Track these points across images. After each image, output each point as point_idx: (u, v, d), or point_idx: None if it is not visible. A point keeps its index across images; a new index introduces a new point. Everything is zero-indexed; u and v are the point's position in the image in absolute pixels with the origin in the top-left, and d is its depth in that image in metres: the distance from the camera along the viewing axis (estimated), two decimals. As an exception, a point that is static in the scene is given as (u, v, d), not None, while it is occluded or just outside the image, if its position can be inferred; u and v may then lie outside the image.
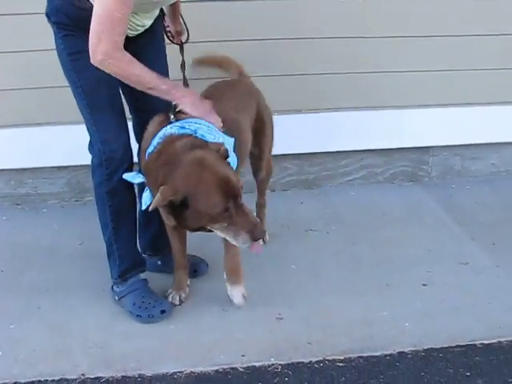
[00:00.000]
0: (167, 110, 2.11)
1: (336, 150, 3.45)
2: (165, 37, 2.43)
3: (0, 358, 2.08)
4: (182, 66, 2.32)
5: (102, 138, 2.18)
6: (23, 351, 2.11)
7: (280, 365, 2.02)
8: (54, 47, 2.19)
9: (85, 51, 2.00)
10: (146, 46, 2.28)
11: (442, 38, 3.30)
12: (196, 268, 2.60)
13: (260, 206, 2.90)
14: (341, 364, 2.02)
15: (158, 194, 1.86)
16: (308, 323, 2.25)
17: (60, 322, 2.28)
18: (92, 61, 1.97)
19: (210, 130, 2.09)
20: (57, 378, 1.97)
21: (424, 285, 2.47)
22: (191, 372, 2.00)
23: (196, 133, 2.04)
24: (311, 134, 3.38)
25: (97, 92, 2.17)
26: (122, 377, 1.98)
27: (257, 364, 2.03)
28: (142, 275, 2.40)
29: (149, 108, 2.21)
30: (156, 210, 1.98)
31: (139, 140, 2.23)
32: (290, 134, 3.36)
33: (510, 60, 3.41)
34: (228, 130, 2.18)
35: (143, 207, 2.02)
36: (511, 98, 3.46)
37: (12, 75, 3.12)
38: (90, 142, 2.26)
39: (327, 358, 2.05)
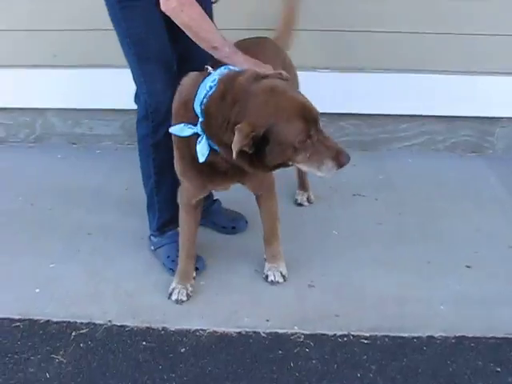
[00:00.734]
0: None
1: (397, 112, 3.28)
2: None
3: (37, 295, 2.18)
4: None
5: (148, 90, 2.14)
6: (59, 291, 2.19)
7: (303, 334, 1.99)
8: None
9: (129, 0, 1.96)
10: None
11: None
12: (235, 224, 2.58)
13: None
14: (365, 341, 1.97)
15: (237, 134, 1.66)
16: (339, 294, 2.19)
17: (96, 266, 2.35)
18: (163, 7, 1.91)
19: None
20: (85, 321, 2.04)
21: (468, 266, 2.33)
22: (214, 331, 2.01)
23: None
24: (372, 94, 3.21)
25: (145, 42, 2.11)
26: (147, 328, 2.02)
27: (280, 331, 2.01)
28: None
29: (196, 59, 2.14)
30: None
31: None
32: (350, 93, 3.23)
33: None
34: None
35: (201, 159, 1.83)
36: None
37: (74, 16, 3.13)
38: (137, 93, 2.23)
39: (352, 332, 2.00)
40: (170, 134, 2.04)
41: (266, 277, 2.26)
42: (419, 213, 2.73)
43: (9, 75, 3.29)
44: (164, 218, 2.34)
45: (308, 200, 2.83)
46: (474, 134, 3.28)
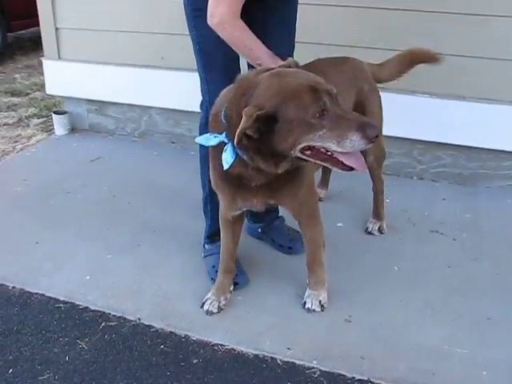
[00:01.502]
0: None
1: (500, 148, 2.98)
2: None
3: (86, 281, 2.32)
4: None
5: (210, 99, 2.17)
6: (105, 282, 2.32)
7: (320, 370, 1.89)
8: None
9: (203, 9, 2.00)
10: (272, 10, 2.20)
11: None
12: (292, 245, 2.53)
13: (375, 192, 2.69)
14: (384, 392, 1.82)
15: (243, 117, 1.58)
16: (374, 335, 2.05)
17: (148, 263, 2.44)
18: (208, 22, 1.95)
19: None
20: (118, 314, 2.13)
21: (533, 333, 2.05)
22: (232, 349, 1.99)
23: None
24: (473, 125, 2.96)
25: (213, 53, 2.16)
26: (170, 332, 2.05)
27: (297, 362, 1.93)
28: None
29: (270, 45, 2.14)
30: None
31: None
32: (449, 122, 3.01)
33: None
34: None
35: (225, 167, 1.76)
36: None
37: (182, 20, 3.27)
38: (202, 100, 2.29)
39: (372, 379, 1.86)
40: None
41: (304, 303, 2.18)
42: (498, 262, 2.46)
43: (121, 73, 3.54)
44: (215, 227, 2.36)
45: (379, 230, 2.69)
46: None
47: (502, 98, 2.88)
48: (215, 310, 2.15)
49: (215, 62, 2.17)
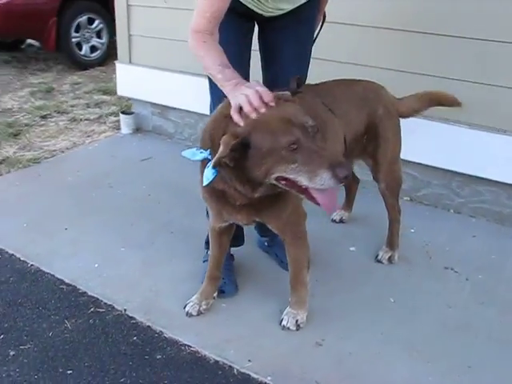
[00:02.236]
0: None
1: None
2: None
3: (93, 269, 2.52)
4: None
5: (214, 104, 2.21)
6: (111, 272, 2.50)
7: (271, 386, 1.93)
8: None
9: None
10: (283, 29, 2.26)
11: None
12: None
13: (389, 221, 2.63)
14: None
15: (221, 145, 1.67)
16: (338, 362, 2.03)
17: (156, 261, 2.59)
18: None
19: None
20: (108, 302, 2.30)
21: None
22: (196, 351, 2.07)
23: None
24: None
25: None
26: (147, 326, 2.18)
27: (253, 375, 1.97)
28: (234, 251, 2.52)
29: (282, 86, 2.22)
30: None
31: None
32: (490, 156, 2.87)
33: None
34: None
35: (204, 183, 1.86)
36: None
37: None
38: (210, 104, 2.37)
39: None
40: None
41: (281, 320, 2.21)
42: (506, 310, 2.32)
43: (183, 80, 3.75)
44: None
45: (389, 259, 2.63)
46: None
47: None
48: (194, 313, 2.24)
49: None
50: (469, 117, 2.85)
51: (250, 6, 2.16)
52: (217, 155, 1.69)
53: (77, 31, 6.18)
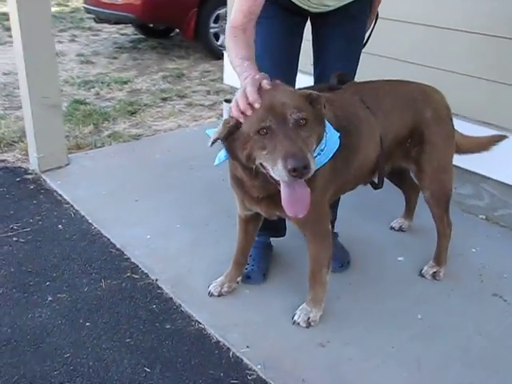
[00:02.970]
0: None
1: None
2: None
3: (145, 240, 2.72)
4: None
5: None
6: (158, 244, 2.69)
7: (257, 375, 1.96)
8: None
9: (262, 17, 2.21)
10: (332, 26, 2.28)
11: None
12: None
13: (438, 235, 2.49)
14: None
15: (221, 125, 1.79)
16: (333, 366, 2.00)
17: (203, 241, 2.74)
18: None
19: None
20: (145, 271, 2.50)
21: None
22: (203, 328, 2.17)
23: None
24: None
25: (260, 58, 2.20)
26: (169, 298, 2.33)
27: (245, 360, 2.02)
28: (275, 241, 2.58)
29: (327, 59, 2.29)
30: None
31: None
32: None
33: None
34: (338, 125, 1.99)
35: (215, 162, 1.96)
36: None
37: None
38: None
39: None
40: None
41: (294, 315, 2.23)
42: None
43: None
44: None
45: (433, 275, 2.49)
46: None
47: None
48: (215, 293, 2.35)
49: (262, 68, 2.27)
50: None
51: (295, 1, 2.19)
52: (215, 133, 1.78)
53: (215, 22, 6.55)
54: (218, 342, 2.12)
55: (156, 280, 2.45)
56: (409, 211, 2.83)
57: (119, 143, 3.89)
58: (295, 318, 2.21)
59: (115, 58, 6.54)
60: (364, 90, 2.20)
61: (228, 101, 4.34)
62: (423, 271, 2.51)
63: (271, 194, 1.93)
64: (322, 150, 1.91)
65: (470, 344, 2.13)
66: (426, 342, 2.13)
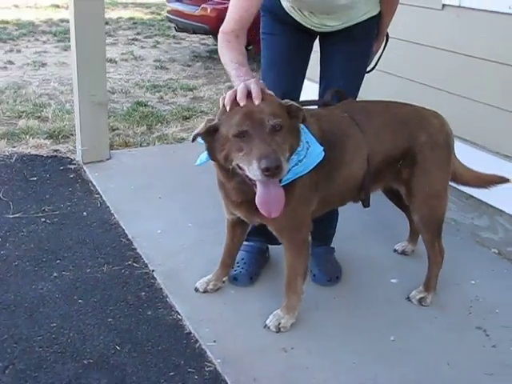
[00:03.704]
0: None
1: None
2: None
3: (155, 234, 2.93)
4: None
5: None
6: (166, 238, 2.88)
7: (214, 368, 2.08)
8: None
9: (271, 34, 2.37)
10: (335, 45, 2.39)
11: None
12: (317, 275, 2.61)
13: (428, 261, 2.48)
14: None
15: (202, 124, 1.94)
16: (285, 371, 2.08)
17: (208, 239, 2.88)
18: None
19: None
20: (146, 261, 2.69)
21: None
22: (180, 319, 2.32)
23: None
24: None
25: (265, 72, 2.47)
26: (160, 288, 2.51)
27: (207, 353, 2.14)
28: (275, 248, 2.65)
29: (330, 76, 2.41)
30: None
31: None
32: None
33: None
34: (324, 139, 2.08)
35: (196, 163, 2.15)
36: None
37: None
38: None
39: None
40: None
41: (267, 319, 2.32)
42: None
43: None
44: (251, 228, 2.62)
45: (420, 301, 2.48)
46: None
47: None
48: (201, 290, 2.49)
49: (266, 81, 2.39)
50: None
51: (298, 20, 2.31)
52: (195, 131, 1.94)
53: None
54: (190, 333, 2.26)
55: (153, 271, 2.63)
56: (413, 235, 2.82)
57: (162, 144, 4.15)
58: (267, 321, 2.30)
59: (189, 65, 6.90)
60: (356, 107, 2.27)
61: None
62: (411, 295, 2.50)
63: (249, 199, 2.02)
64: (300, 161, 2.01)
65: (434, 372, 2.12)
66: (390, 363, 2.14)
